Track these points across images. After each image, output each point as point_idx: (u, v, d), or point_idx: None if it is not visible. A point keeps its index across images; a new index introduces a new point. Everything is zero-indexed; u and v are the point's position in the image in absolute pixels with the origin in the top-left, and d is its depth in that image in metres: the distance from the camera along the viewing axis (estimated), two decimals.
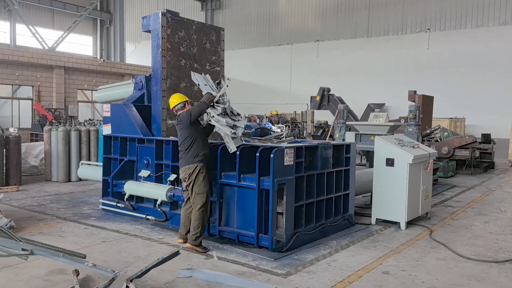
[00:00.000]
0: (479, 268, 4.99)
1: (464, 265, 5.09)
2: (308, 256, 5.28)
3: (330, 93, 13.46)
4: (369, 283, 4.48)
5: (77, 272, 4.27)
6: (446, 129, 15.79)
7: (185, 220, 5.60)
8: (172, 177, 6.52)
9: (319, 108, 13.88)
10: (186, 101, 5.71)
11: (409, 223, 6.78)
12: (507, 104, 17.83)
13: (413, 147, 6.86)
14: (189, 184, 5.43)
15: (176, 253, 4.02)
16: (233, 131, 5.38)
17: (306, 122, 20.86)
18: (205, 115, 5.56)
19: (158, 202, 6.46)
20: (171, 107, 5.76)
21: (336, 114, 11.15)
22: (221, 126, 5.37)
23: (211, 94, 5.49)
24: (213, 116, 5.46)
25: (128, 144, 7.30)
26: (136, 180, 7.00)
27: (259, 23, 28.62)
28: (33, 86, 20.13)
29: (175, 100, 5.70)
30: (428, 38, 22.58)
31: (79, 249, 5.41)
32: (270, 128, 11.15)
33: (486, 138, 14.90)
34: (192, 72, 5.86)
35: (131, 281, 3.80)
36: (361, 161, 13.22)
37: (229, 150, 5.36)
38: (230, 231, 5.66)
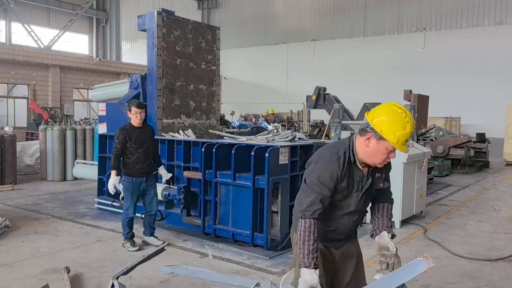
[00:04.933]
0: (472, 266, 5.03)
1: (457, 263, 5.13)
2: None
3: (326, 92, 13.51)
4: None
5: (68, 269, 4.28)
6: (441, 128, 15.84)
7: None
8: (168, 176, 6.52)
9: (315, 107, 13.92)
10: None
11: (404, 222, 6.81)
12: (502, 104, 17.87)
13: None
14: None
15: (162, 250, 4.03)
16: None
17: (302, 121, 20.86)
18: None
19: None
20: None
21: (332, 113, 11.18)
22: None
23: None
24: None
25: None
26: None
27: (256, 22, 28.60)
28: (28, 85, 20.08)
29: None
30: (424, 37, 22.65)
31: (74, 248, 5.43)
32: (266, 127, 11.17)
33: (481, 138, 14.97)
34: None
35: (117, 278, 3.81)
36: None
37: None
38: (225, 230, 5.67)
